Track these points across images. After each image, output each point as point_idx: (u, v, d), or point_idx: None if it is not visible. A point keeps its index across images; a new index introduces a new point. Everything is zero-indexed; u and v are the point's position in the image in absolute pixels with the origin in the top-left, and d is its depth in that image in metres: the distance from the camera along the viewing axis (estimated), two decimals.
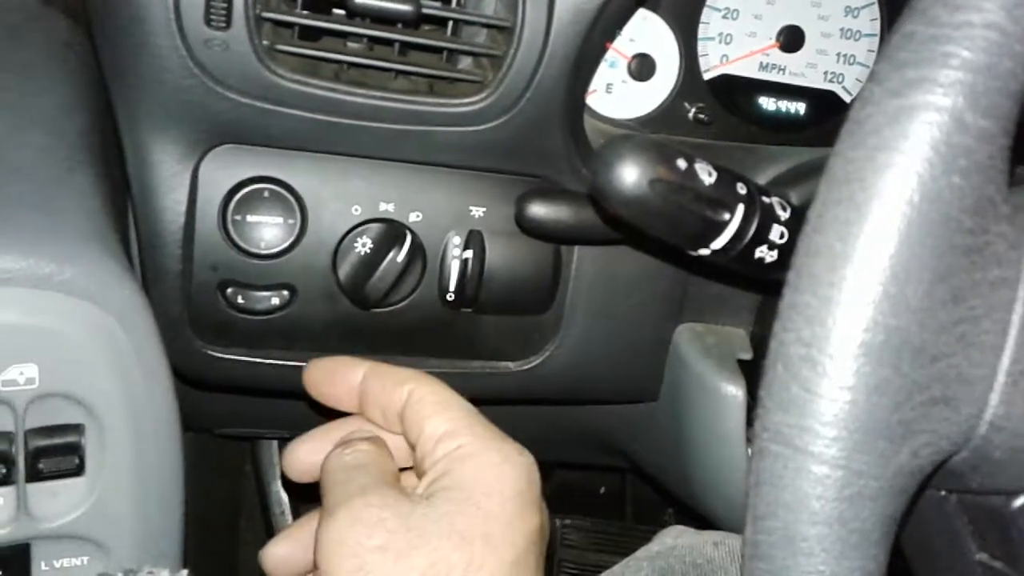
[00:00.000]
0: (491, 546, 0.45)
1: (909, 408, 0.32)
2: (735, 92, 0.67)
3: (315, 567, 0.46)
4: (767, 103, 0.68)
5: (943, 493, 0.41)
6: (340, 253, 0.61)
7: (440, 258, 0.62)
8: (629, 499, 1.28)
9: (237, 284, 0.60)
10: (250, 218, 0.59)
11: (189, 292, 0.60)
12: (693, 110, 0.67)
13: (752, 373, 0.69)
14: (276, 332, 0.62)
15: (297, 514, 1.02)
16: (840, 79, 0.68)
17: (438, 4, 0.55)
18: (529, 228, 0.61)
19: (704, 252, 0.50)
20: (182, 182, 0.57)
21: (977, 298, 0.33)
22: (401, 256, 0.61)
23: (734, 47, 0.67)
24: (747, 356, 0.71)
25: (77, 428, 0.49)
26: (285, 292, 0.60)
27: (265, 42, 0.53)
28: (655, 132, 0.67)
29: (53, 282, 0.46)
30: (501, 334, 0.66)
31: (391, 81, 0.57)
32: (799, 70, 0.68)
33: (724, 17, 0.66)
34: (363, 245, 0.61)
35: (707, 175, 0.47)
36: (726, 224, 0.48)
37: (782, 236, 0.50)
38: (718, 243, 0.49)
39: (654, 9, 0.65)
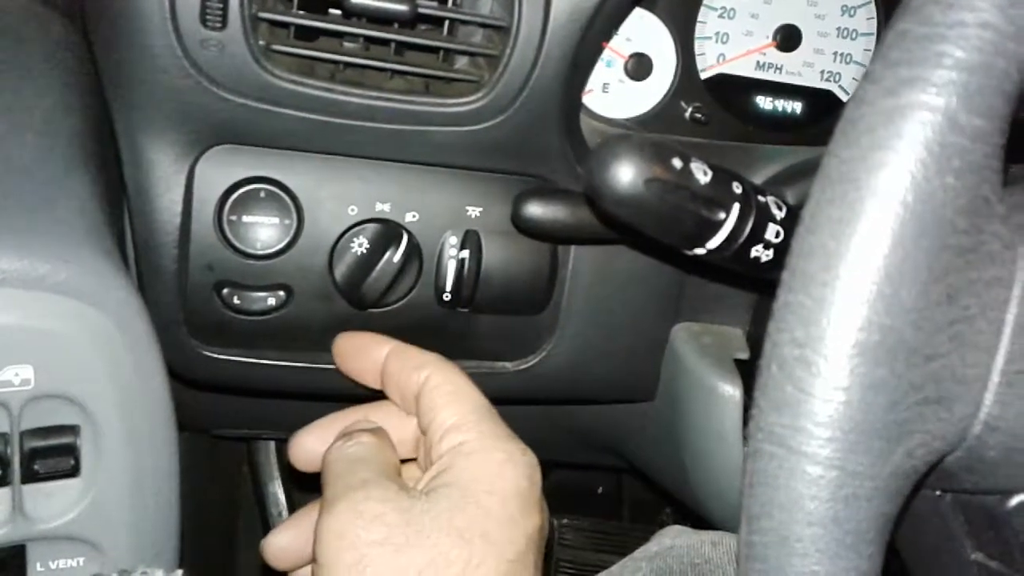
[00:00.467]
0: (490, 544, 0.45)
1: (904, 408, 0.32)
2: (732, 91, 0.67)
3: (313, 559, 0.46)
4: (764, 102, 0.68)
5: (938, 493, 0.41)
6: (336, 253, 0.60)
7: (436, 258, 0.62)
8: (626, 499, 1.28)
9: (233, 284, 0.60)
10: (246, 218, 0.59)
11: (185, 292, 0.60)
12: (690, 109, 0.67)
13: (749, 372, 0.69)
14: (272, 332, 0.62)
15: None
16: (837, 78, 0.68)
17: (434, 4, 0.55)
18: (525, 228, 0.61)
19: (700, 251, 0.50)
20: (178, 182, 0.57)
21: (971, 298, 0.33)
22: (397, 256, 0.61)
23: (731, 46, 0.67)
24: (744, 355, 0.71)
25: (73, 429, 0.48)
26: (281, 292, 0.60)
27: (261, 42, 0.53)
28: (651, 131, 0.67)
29: (48, 283, 0.46)
30: (497, 334, 0.66)
31: (387, 81, 0.57)
32: (796, 69, 0.68)
33: (721, 16, 0.66)
34: (359, 245, 0.60)
35: (703, 174, 0.47)
36: (722, 223, 0.48)
37: (778, 235, 0.50)
38: (714, 242, 0.49)
39: (651, 8, 0.65)
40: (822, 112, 0.69)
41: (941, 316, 0.32)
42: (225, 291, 0.60)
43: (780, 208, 0.51)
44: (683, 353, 0.71)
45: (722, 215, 0.48)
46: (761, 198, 0.50)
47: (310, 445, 0.54)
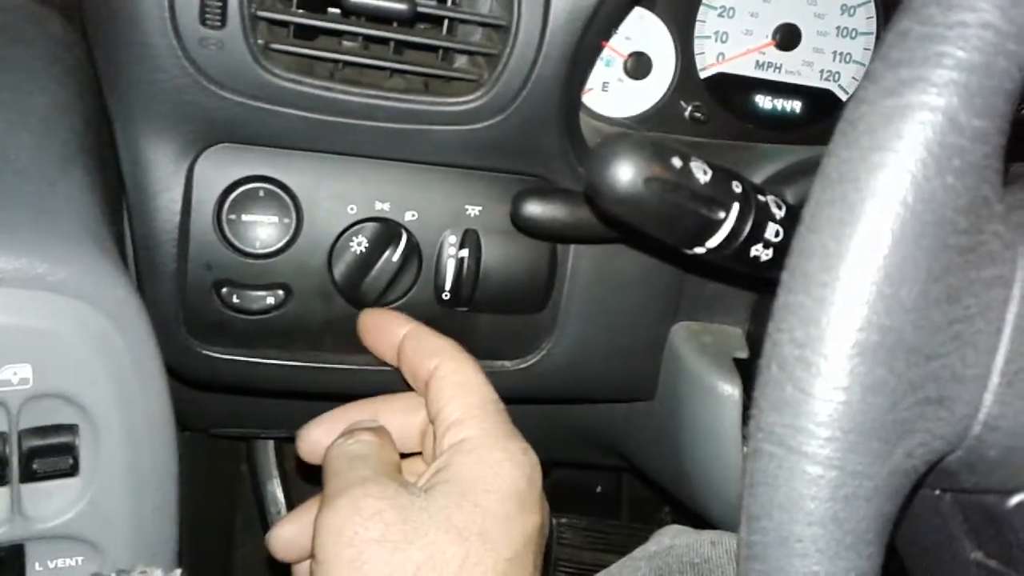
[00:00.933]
0: (488, 543, 0.45)
1: (904, 408, 0.32)
2: (731, 90, 0.67)
3: (312, 555, 0.46)
4: (763, 101, 0.68)
5: (938, 492, 0.41)
6: (335, 252, 0.60)
7: (436, 257, 0.62)
8: (625, 498, 1.28)
9: (232, 284, 0.60)
10: (245, 217, 0.59)
11: (184, 292, 0.59)
12: (689, 108, 0.67)
13: (748, 372, 0.69)
14: (271, 332, 0.62)
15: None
16: (836, 77, 0.68)
17: (434, 3, 0.55)
18: (525, 227, 0.61)
19: (700, 250, 0.50)
20: (177, 181, 0.57)
21: (971, 297, 0.33)
22: (397, 255, 0.61)
23: (730, 45, 0.67)
24: (743, 355, 0.71)
25: (71, 428, 0.48)
26: (280, 292, 0.60)
27: (260, 41, 0.53)
28: (651, 130, 0.67)
29: (47, 282, 0.46)
30: (497, 333, 0.66)
31: (386, 80, 0.57)
32: (795, 68, 0.68)
33: (720, 15, 0.66)
34: (358, 244, 0.60)
35: (702, 173, 0.47)
36: (721, 222, 0.48)
37: (777, 234, 0.50)
38: (713, 241, 0.49)
39: (650, 7, 0.65)
40: (821, 111, 0.69)
41: (941, 316, 0.32)
42: (224, 290, 0.60)
43: (780, 207, 0.51)
44: (682, 352, 0.71)
45: (722, 214, 0.48)
46: (761, 197, 0.50)
47: (317, 437, 0.55)
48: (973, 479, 0.37)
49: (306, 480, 1.02)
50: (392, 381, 0.59)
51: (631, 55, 0.65)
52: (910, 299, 0.31)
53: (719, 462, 0.70)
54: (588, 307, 0.67)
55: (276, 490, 1.04)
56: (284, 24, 0.54)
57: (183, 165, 0.56)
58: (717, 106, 0.67)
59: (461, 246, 0.62)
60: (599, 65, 0.65)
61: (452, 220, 0.62)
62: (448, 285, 0.63)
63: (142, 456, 0.50)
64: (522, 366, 0.68)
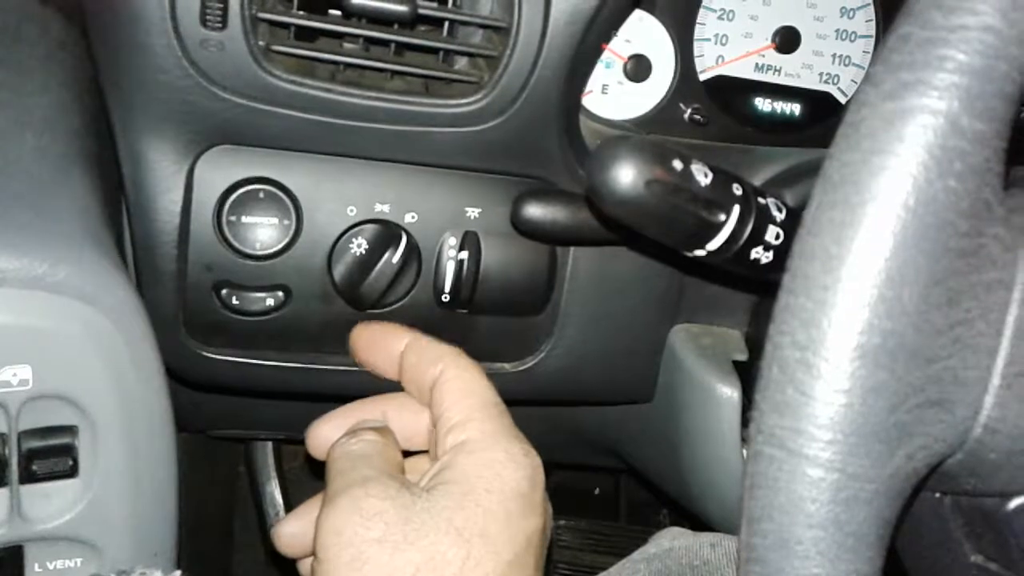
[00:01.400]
0: (489, 544, 0.45)
1: (904, 411, 0.32)
2: (731, 93, 0.67)
3: (314, 554, 0.46)
4: (763, 104, 0.68)
5: (938, 495, 0.41)
6: (335, 254, 0.60)
7: (435, 259, 0.62)
8: (623, 500, 1.28)
9: (232, 285, 0.60)
10: (245, 219, 0.59)
11: (184, 293, 0.59)
12: (689, 111, 0.67)
13: (747, 374, 0.69)
14: (271, 333, 0.62)
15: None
16: (835, 80, 0.69)
17: (434, 4, 0.55)
18: (525, 229, 0.61)
19: (700, 253, 0.50)
20: (177, 183, 0.57)
21: (972, 300, 0.33)
22: (396, 257, 0.61)
23: (730, 48, 0.67)
24: (742, 357, 0.71)
25: (71, 429, 0.48)
26: (280, 293, 0.60)
27: (261, 43, 0.53)
28: (651, 133, 0.67)
29: (47, 283, 0.46)
30: (496, 335, 0.66)
31: (387, 82, 0.57)
32: (794, 71, 0.68)
33: (720, 18, 0.66)
34: (358, 246, 0.60)
35: (703, 176, 0.47)
36: (722, 225, 0.48)
37: (777, 237, 0.50)
38: (714, 244, 0.49)
39: (650, 10, 0.65)
40: (821, 114, 0.69)
41: (942, 319, 0.32)
42: (224, 291, 0.59)
43: (780, 210, 0.51)
44: (682, 354, 0.71)
45: (722, 217, 0.48)
46: (761, 200, 0.50)
47: (327, 434, 0.55)
48: (973, 482, 0.37)
49: (316, 476, 1.02)
50: (392, 383, 0.59)
51: (631, 57, 0.65)
52: (911, 302, 0.31)
53: (718, 464, 0.70)
54: (588, 309, 0.67)
55: (275, 491, 1.04)
56: (285, 26, 0.54)
57: (183, 166, 0.56)
58: (716, 108, 0.67)
59: (461, 248, 0.62)
60: (599, 67, 0.65)
61: (452, 222, 0.62)
62: (448, 287, 0.63)
63: (141, 457, 0.50)
64: (521, 368, 0.68)
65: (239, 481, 1.10)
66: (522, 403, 0.70)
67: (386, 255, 0.61)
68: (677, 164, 0.46)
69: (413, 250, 0.61)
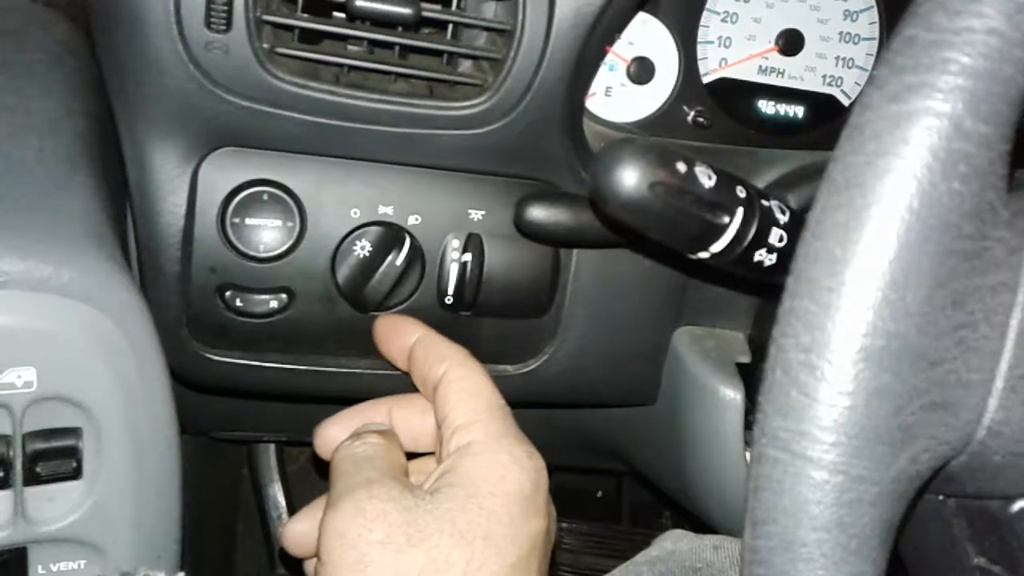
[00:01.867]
0: (492, 546, 0.45)
1: (908, 413, 0.32)
2: (734, 95, 0.67)
3: (317, 556, 0.46)
4: (766, 106, 0.68)
5: (941, 498, 0.41)
6: (339, 256, 0.60)
7: (439, 261, 0.62)
8: (626, 502, 1.28)
9: (236, 287, 0.60)
10: (249, 221, 0.59)
11: (187, 295, 0.60)
12: (692, 113, 0.67)
13: (750, 376, 0.69)
14: (274, 335, 0.62)
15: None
16: (839, 82, 0.69)
17: (438, 7, 0.55)
18: (528, 231, 0.61)
19: (703, 255, 0.50)
20: (181, 185, 0.57)
21: (976, 303, 0.33)
22: (400, 259, 0.61)
23: (733, 50, 0.67)
24: (745, 359, 0.71)
25: (75, 431, 0.48)
26: (284, 295, 0.60)
27: (265, 45, 0.53)
28: (654, 135, 0.67)
29: (51, 284, 0.46)
30: (500, 337, 0.66)
31: (391, 84, 0.57)
32: (798, 73, 0.68)
33: (723, 20, 0.66)
34: (362, 248, 0.60)
35: (707, 178, 0.47)
36: (726, 227, 0.48)
37: (781, 239, 0.50)
38: (717, 246, 0.49)
39: (653, 13, 0.65)
40: (824, 116, 0.69)
41: (946, 321, 0.32)
42: (227, 294, 0.60)
43: (784, 212, 0.51)
44: (685, 357, 0.71)
45: (726, 219, 0.48)
46: (765, 202, 0.50)
47: (334, 435, 0.55)
48: (977, 484, 0.37)
49: (319, 478, 1.02)
50: (395, 385, 0.59)
51: (634, 60, 0.65)
52: (915, 304, 0.31)
53: (721, 467, 0.70)
54: (591, 311, 0.67)
55: (277, 494, 1.04)
56: (289, 28, 0.54)
57: (187, 168, 0.57)
58: (720, 111, 0.67)
59: (464, 250, 0.62)
60: (602, 70, 0.65)
61: (455, 224, 0.62)
62: (451, 289, 0.63)
63: (145, 459, 0.50)
64: (524, 370, 0.68)
65: (242, 483, 1.10)
66: (525, 405, 0.70)
67: (390, 257, 0.61)
68: (681, 167, 0.46)
69: (417, 252, 0.61)
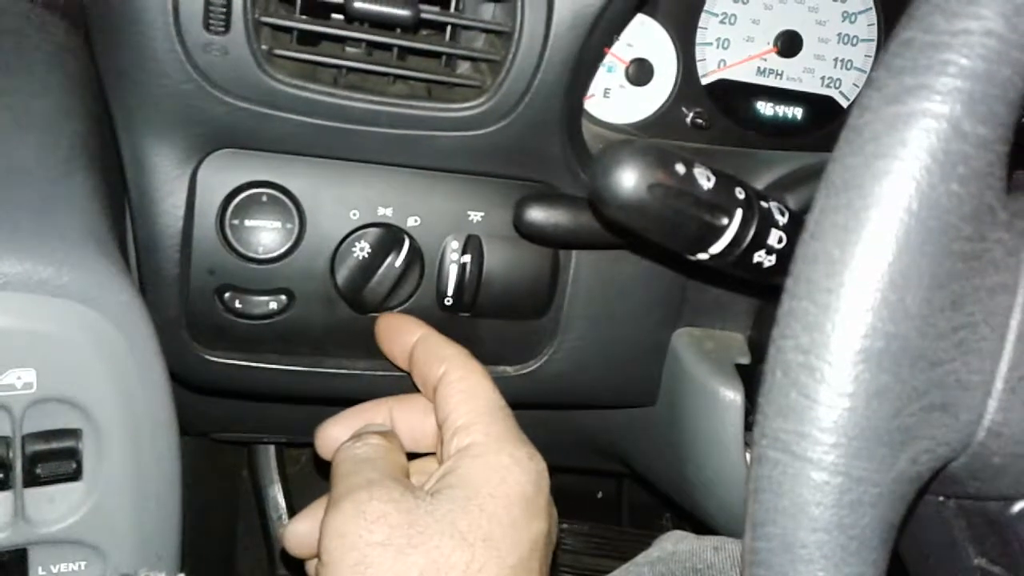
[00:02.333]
0: (493, 548, 0.45)
1: (908, 414, 0.32)
2: (733, 97, 0.68)
3: (318, 557, 0.46)
4: (764, 108, 0.68)
5: (941, 499, 0.41)
6: (338, 258, 0.60)
7: (438, 263, 0.62)
8: (626, 503, 1.28)
9: (235, 288, 0.60)
10: (248, 222, 0.59)
11: (187, 296, 0.60)
12: (691, 115, 0.67)
13: (750, 377, 0.69)
14: (273, 337, 0.62)
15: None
16: (837, 84, 0.69)
17: (437, 9, 0.55)
18: (527, 233, 0.61)
19: (703, 257, 0.50)
20: (180, 186, 0.57)
21: (975, 304, 0.33)
22: (399, 261, 0.61)
23: (732, 52, 0.67)
24: (745, 360, 0.71)
25: (74, 433, 0.48)
26: (283, 297, 0.60)
27: (264, 46, 0.53)
28: (653, 137, 0.67)
29: (50, 286, 0.46)
30: (499, 338, 0.66)
31: (389, 86, 0.57)
32: (796, 75, 0.68)
33: (722, 22, 0.66)
34: (361, 250, 0.60)
35: (706, 180, 0.47)
36: (724, 229, 0.48)
37: (780, 241, 0.50)
38: (716, 248, 0.49)
39: (652, 14, 0.65)
40: (823, 118, 0.69)
41: (945, 322, 0.32)
42: (227, 295, 0.60)
43: (782, 213, 0.51)
44: (684, 358, 0.71)
45: (725, 220, 0.48)
46: (764, 203, 0.50)
47: (336, 435, 0.55)
48: (977, 485, 0.37)
49: (319, 478, 1.02)
50: (395, 386, 0.59)
51: (633, 61, 0.65)
52: (914, 306, 0.31)
53: (721, 468, 0.70)
54: (590, 313, 0.67)
55: (277, 495, 1.04)
56: (288, 30, 0.54)
57: (186, 170, 0.57)
58: (718, 112, 0.67)
59: (463, 252, 0.62)
60: (601, 71, 0.65)
61: (454, 226, 0.62)
62: (450, 291, 0.63)
63: (145, 460, 0.50)
64: (524, 371, 0.68)
65: (242, 484, 1.10)
66: (525, 407, 0.70)
67: (389, 259, 0.61)
68: (680, 168, 0.46)
69: (416, 254, 0.61)
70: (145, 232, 0.58)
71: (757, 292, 0.71)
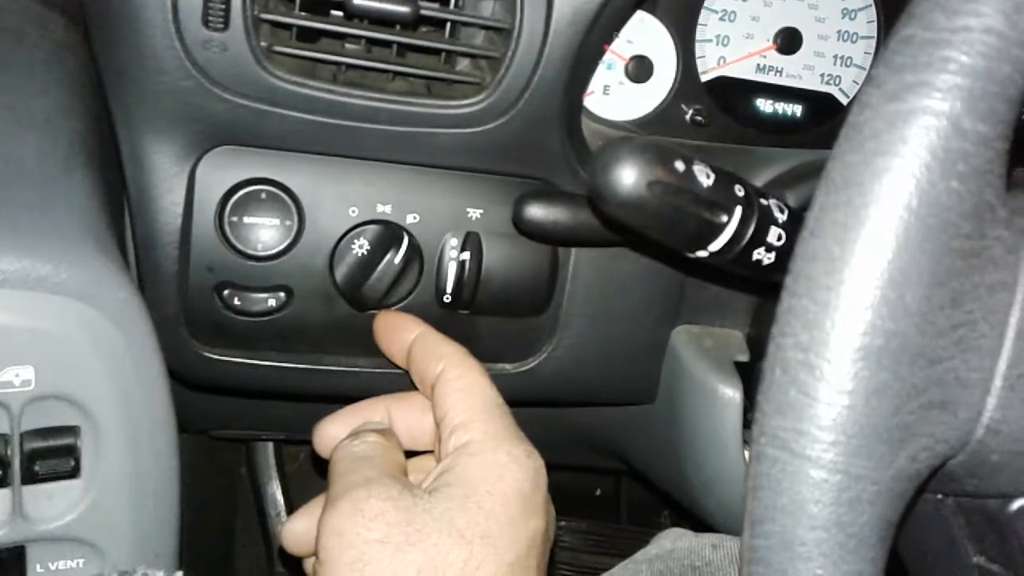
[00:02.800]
0: (490, 546, 0.45)
1: (907, 412, 0.32)
2: (732, 94, 0.67)
3: (316, 555, 0.46)
4: (764, 105, 0.68)
5: (940, 497, 0.41)
6: (337, 255, 0.60)
7: (437, 260, 0.62)
8: (624, 501, 1.28)
9: (233, 286, 0.60)
10: (247, 220, 0.59)
11: (185, 294, 0.59)
12: (690, 112, 0.67)
13: (749, 375, 0.69)
14: (272, 334, 0.62)
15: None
16: (837, 81, 0.69)
17: (436, 6, 0.55)
18: (527, 230, 0.61)
19: (702, 254, 0.50)
20: (179, 183, 0.57)
21: (975, 302, 0.33)
22: (398, 258, 0.61)
23: (731, 49, 0.67)
24: (744, 358, 0.71)
25: (73, 430, 0.48)
26: (282, 294, 0.60)
27: (263, 43, 0.53)
28: (652, 134, 0.67)
29: (49, 283, 0.45)
30: (498, 336, 0.66)
31: (389, 83, 0.57)
32: (796, 72, 0.68)
33: (721, 19, 0.66)
34: (360, 247, 0.60)
35: (705, 177, 0.47)
36: (724, 226, 0.48)
37: (780, 238, 0.50)
38: (716, 245, 0.49)
39: (652, 11, 0.65)
40: (822, 115, 0.69)
41: (944, 320, 0.32)
42: (225, 292, 0.60)
43: (782, 211, 0.51)
44: (683, 355, 0.71)
45: (724, 218, 0.48)
46: (763, 201, 0.50)
47: (334, 433, 0.55)
48: (975, 483, 0.37)
49: (317, 476, 1.02)
50: (394, 383, 0.59)
51: (632, 58, 0.65)
52: (914, 303, 0.31)
53: (720, 465, 0.70)
54: (589, 310, 0.67)
55: (276, 492, 1.04)
56: (287, 26, 0.54)
57: (185, 167, 0.57)
58: (718, 110, 0.67)
59: (463, 249, 0.62)
60: (600, 68, 0.65)
61: (454, 223, 0.62)
62: (449, 288, 0.63)
63: (143, 458, 0.50)
64: (523, 369, 0.68)
65: (240, 482, 1.10)
66: (523, 404, 0.70)
67: (388, 256, 0.61)
68: (679, 165, 0.46)
69: (415, 251, 0.61)
70: (144, 229, 0.58)
71: (756, 289, 0.71)
